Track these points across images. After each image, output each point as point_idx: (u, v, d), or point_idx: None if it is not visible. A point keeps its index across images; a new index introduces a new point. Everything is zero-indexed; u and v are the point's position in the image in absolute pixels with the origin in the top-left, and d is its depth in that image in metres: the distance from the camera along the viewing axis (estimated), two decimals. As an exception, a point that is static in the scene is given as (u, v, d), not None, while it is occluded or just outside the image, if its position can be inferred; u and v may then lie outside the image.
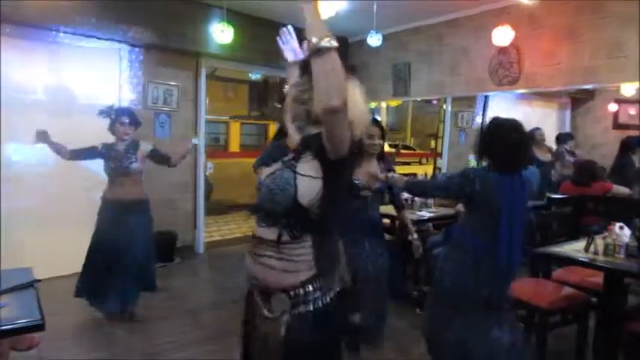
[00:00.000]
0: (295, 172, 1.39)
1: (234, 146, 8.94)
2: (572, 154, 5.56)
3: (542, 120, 7.02)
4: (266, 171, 1.50)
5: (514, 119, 2.42)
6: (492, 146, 2.38)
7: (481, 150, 2.45)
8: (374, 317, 3.10)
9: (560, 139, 6.29)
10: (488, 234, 2.32)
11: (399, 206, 3.13)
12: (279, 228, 1.40)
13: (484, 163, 2.44)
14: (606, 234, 2.75)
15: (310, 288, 1.41)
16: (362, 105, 1.46)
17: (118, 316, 3.56)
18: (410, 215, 4.15)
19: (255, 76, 8.90)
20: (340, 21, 5.38)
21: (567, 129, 7.34)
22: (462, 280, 2.35)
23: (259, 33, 5.68)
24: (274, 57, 5.68)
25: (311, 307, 1.41)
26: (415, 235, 3.05)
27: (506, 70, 5.05)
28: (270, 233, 1.42)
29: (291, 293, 1.40)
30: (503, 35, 4.84)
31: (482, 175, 2.34)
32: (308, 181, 1.37)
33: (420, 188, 2.69)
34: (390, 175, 2.78)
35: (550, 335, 2.83)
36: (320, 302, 1.42)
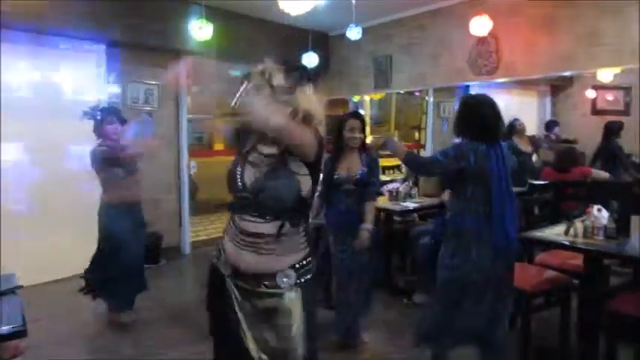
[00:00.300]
0: (291, 170, 1.60)
1: (219, 144, 8.89)
2: (567, 141, 5.65)
3: (523, 108, 7.11)
4: (249, 174, 1.62)
5: (483, 94, 2.57)
6: (470, 120, 2.47)
7: (461, 126, 2.52)
8: (352, 315, 3.09)
9: (548, 126, 6.40)
10: (485, 209, 2.36)
11: (369, 197, 3.08)
12: (283, 220, 1.57)
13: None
14: (585, 217, 2.80)
15: (310, 258, 1.67)
16: (315, 103, 1.65)
17: (120, 318, 3.54)
18: (393, 206, 4.21)
19: (235, 73, 8.82)
20: (320, 15, 5.38)
21: (548, 116, 7.44)
22: (474, 267, 2.36)
23: (239, 29, 5.67)
24: (254, 53, 5.67)
25: (313, 273, 1.68)
26: (368, 226, 2.97)
27: (485, 60, 5.11)
28: (270, 227, 1.57)
29: (297, 266, 1.62)
30: (481, 25, 4.89)
31: (474, 146, 2.39)
32: (303, 177, 1.60)
33: (418, 162, 2.67)
34: (394, 140, 2.75)
35: (534, 318, 2.89)
36: (314, 269, 1.69)
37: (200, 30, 4.92)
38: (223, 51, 5.49)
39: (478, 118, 2.44)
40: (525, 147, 5.59)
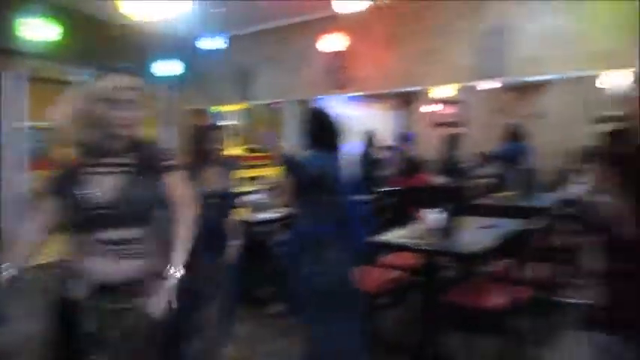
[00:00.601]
0: (150, 178, 1.64)
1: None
2: (402, 150, 6.18)
3: (380, 120, 7.68)
4: (105, 186, 1.59)
5: (321, 106, 2.74)
6: (315, 131, 2.59)
7: (308, 138, 2.62)
8: (219, 329, 3.02)
9: (399, 137, 6.97)
10: (339, 216, 2.47)
11: (230, 210, 3.07)
12: (149, 224, 1.63)
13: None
14: (419, 220, 3.09)
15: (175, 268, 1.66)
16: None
17: None
18: (255, 217, 4.22)
19: (78, 78, 8.08)
20: (184, 23, 5.22)
21: (402, 128, 8.13)
22: (333, 274, 2.44)
23: (89, 31, 5.25)
24: (99, 56, 5.27)
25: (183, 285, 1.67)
26: (236, 242, 2.98)
27: (340, 74, 5.40)
28: (138, 232, 1.60)
29: (164, 274, 1.62)
30: (335, 41, 5.17)
31: (326, 156, 2.51)
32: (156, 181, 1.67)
33: (294, 162, 2.65)
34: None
35: (380, 316, 3.09)
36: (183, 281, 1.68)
37: (40, 29, 4.45)
38: (66, 53, 5.04)
39: (321, 129, 2.58)
40: (379, 155, 6.02)
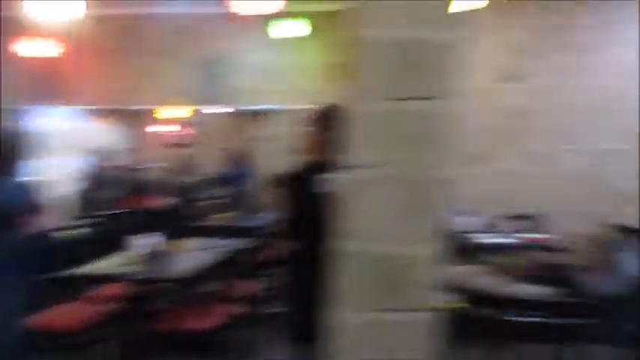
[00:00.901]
0: None
1: None
2: (128, 170, 5.82)
3: (106, 137, 7.05)
4: None
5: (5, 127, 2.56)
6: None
7: None
8: None
9: (124, 156, 6.51)
10: (16, 248, 2.25)
11: None
12: None
13: None
14: (129, 247, 2.94)
15: None
16: None
17: None
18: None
19: None
20: None
21: (129, 147, 7.62)
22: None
23: None
24: None
25: None
26: None
27: (49, 85, 4.81)
28: None
29: None
30: (45, 46, 4.58)
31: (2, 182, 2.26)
32: None
33: None
34: None
35: (89, 352, 2.83)
36: None
37: None
38: None
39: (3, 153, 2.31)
40: (103, 176, 5.54)
